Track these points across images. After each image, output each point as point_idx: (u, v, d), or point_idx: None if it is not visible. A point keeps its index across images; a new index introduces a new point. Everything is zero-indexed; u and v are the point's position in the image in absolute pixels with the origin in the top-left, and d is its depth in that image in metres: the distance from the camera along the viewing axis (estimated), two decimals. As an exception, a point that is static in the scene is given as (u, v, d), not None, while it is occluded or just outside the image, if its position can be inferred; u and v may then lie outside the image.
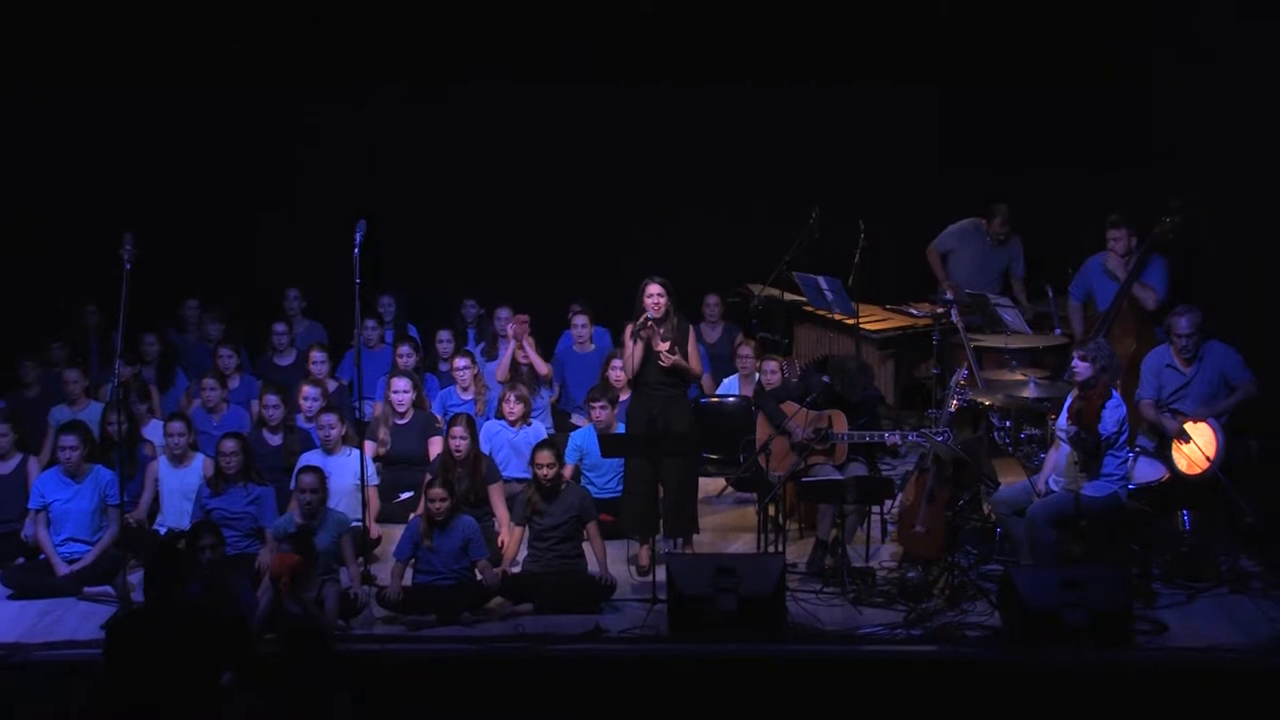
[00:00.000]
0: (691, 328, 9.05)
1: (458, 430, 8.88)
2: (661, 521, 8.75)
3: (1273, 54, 8.68)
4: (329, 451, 9.18)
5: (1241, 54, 9.12)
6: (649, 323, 8.67)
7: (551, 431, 9.94)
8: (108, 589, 8.42)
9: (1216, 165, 9.46)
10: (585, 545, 8.50)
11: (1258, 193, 8.93)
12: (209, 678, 6.21)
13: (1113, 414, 8.09)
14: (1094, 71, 10.90)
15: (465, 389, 10.24)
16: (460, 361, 10.33)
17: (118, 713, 6.15)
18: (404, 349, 10.51)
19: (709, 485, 9.67)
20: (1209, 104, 9.64)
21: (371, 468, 9.17)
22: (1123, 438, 8.17)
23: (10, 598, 8.57)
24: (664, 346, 8.62)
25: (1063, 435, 8.25)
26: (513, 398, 9.65)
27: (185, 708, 6.11)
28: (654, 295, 8.68)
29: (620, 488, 9.18)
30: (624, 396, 9.76)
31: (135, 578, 8.23)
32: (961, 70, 11.19)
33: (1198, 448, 8.24)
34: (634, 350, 8.74)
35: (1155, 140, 10.45)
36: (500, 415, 9.73)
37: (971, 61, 11.18)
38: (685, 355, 8.74)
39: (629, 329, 8.82)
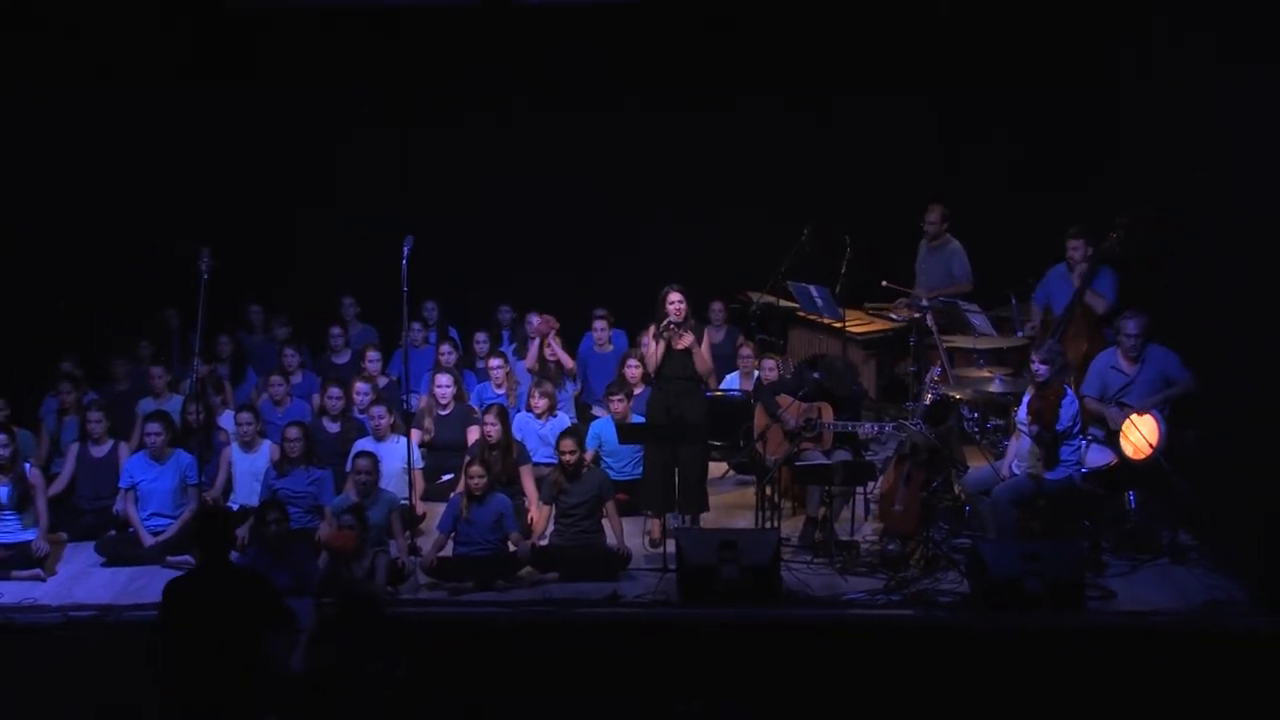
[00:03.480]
0: (706, 330, 9.08)
1: (490, 418, 8.94)
2: (677, 499, 8.79)
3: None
4: (380, 439, 9.23)
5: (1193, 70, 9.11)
6: (671, 325, 8.72)
7: (574, 421, 9.98)
8: (188, 558, 8.47)
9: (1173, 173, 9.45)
10: (604, 521, 8.54)
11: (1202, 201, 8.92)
12: (253, 633, 6.25)
13: (1068, 410, 8.11)
14: (1053, 97, 10.88)
15: (499, 385, 10.28)
16: (495, 361, 10.37)
17: (172, 664, 6.20)
18: (445, 349, 10.54)
19: (713, 469, 9.64)
20: (1169, 118, 9.61)
21: (417, 453, 9.21)
22: (1075, 428, 8.19)
23: (103, 565, 8.64)
24: (684, 341, 8.67)
25: (1024, 427, 8.27)
26: (538, 394, 9.70)
27: (230, 658, 6.14)
28: (675, 302, 8.70)
29: (635, 471, 9.22)
30: (638, 391, 9.80)
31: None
32: (945, 94, 11.18)
33: (1142, 436, 8.25)
34: (656, 350, 8.78)
35: (1110, 158, 10.43)
36: (529, 408, 9.77)
37: (955, 85, 11.16)
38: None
39: (652, 330, 8.86)
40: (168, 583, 6.35)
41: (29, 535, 8.58)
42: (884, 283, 10.22)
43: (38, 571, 8.42)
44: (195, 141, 11.43)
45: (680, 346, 8.67)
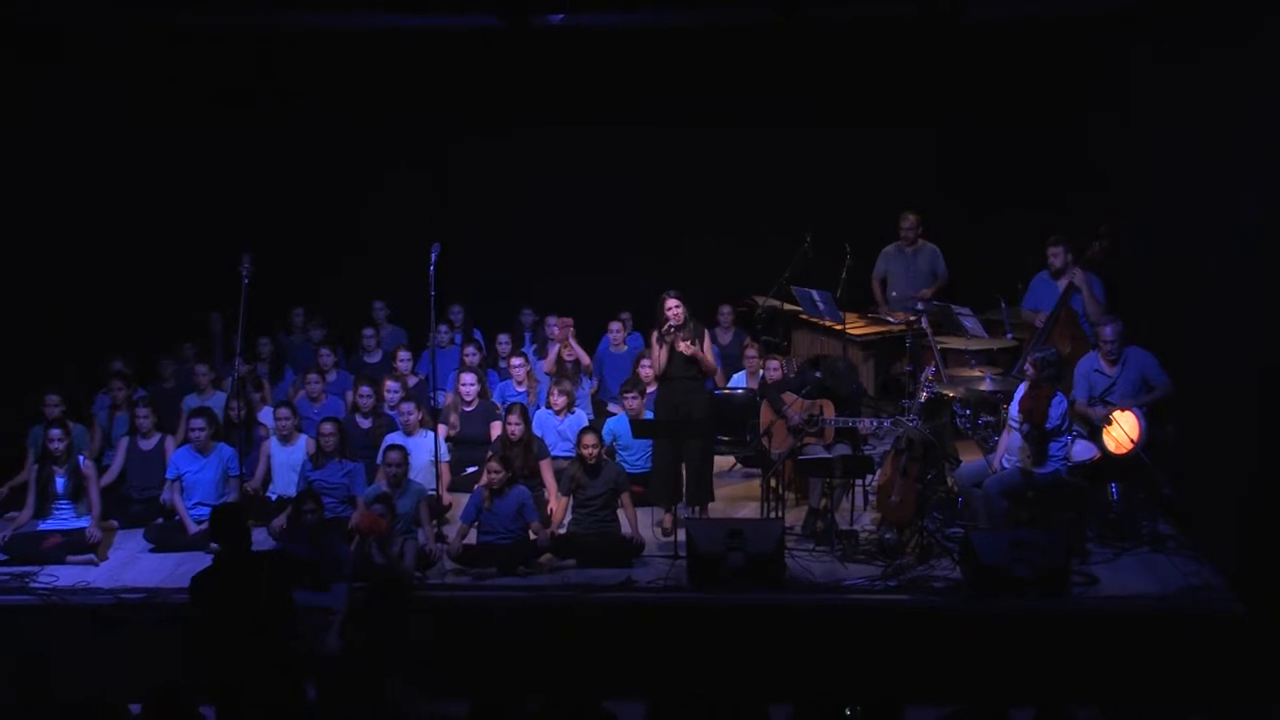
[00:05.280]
0: (706, 331, 9.11)
1: (513, 417, 8.95)
2: (684, 492, 8.83)
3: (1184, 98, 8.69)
4: (408, 433, 9.27)
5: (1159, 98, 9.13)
6: (671, 329, 8.74)
7: (591, 418, 10.01)
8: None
9: (1139, 193, 9.47)
10: (620, 512, 8.57)
11: (1172, 224, 8.92)
12: (281, 615, 6.28)
13: (1056, 409, 8.12)
14: (1039, 119, 10.89)
15: (520, 383, 10.31)
16: (516, 360, 10.41)
17: (207, 648, 6.23)
18: (470, 349, 10.58)
19: (721, 462, 9.68)
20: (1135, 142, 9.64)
21: (443, 447, 9.25)
22: (1064, 426, 8.20)
23: (151, 551, 8.72)
24: (685, 343, 8.70)
25: (1014, 423, 8.28)
26: (557, 392, 9.74)
27: (260, 640, 6.19)
28: (673, 307, 8.74)
29: (648, 465, 9.25)
30: (651, 389, 9.82)
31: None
32: (929, 117, 11.19)
33: (1124, 432, 8.26)
34: (661, 352, 8.81)
35: (1085, 175, 10.44)
36: (548, 405, 9.81)
37: (938, 109, 11.18)
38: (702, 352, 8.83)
39: (655, 335, 8.89)
40: (193, 576, 6.38)
41: (83, 523, 8.65)
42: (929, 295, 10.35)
43: (91, 556, 8.50)
44: (242, 160, 11.46)
45: (680, 349, 8.70)
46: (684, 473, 8.74)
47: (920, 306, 9.93)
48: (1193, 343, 8.49)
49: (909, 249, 10.72)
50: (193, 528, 8.74)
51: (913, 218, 10.69)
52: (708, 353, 8.91)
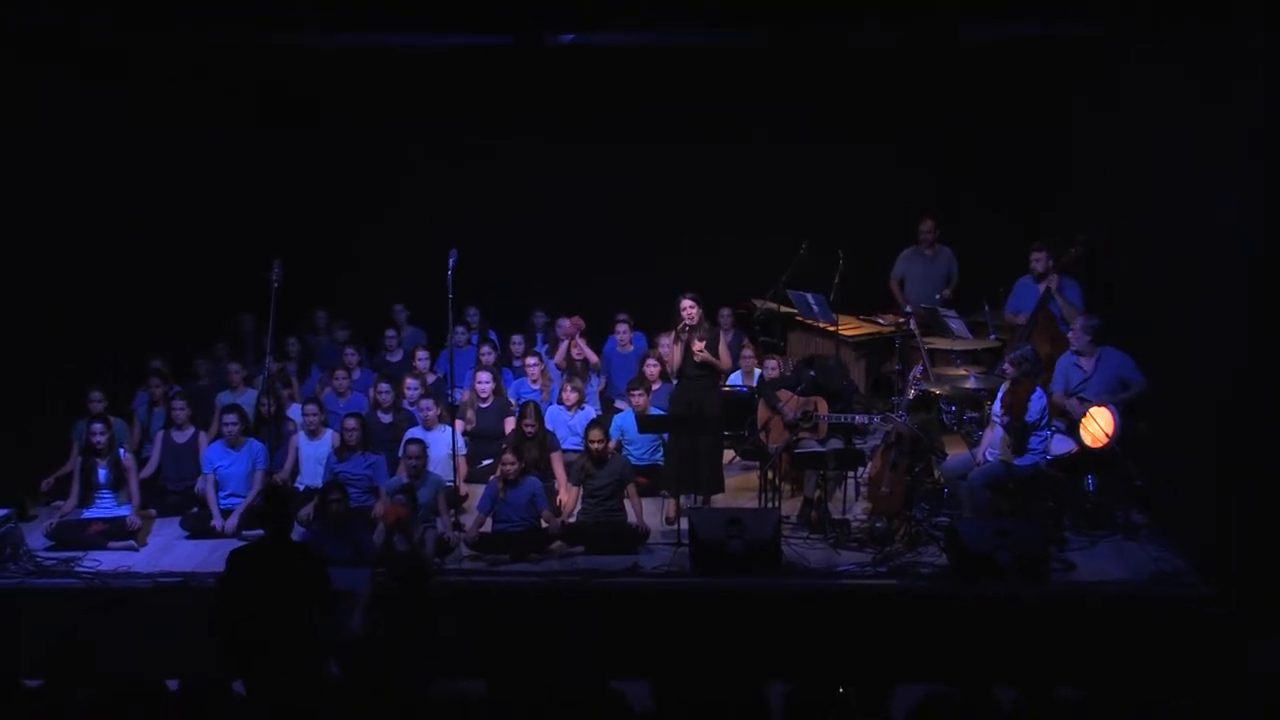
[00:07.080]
0: (722, 332, 9.13)
1: (529, 419, 9.01)
2: (699, 481, 8.83)
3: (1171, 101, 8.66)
4: (428, 428, 9.32)
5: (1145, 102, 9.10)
6: (686, 328, 8.78)
7: (599, 413, 10.06)
8: (260, 533, 8.55)
9: (1126, 198, 9.44)
10: (626, 502, 8.62)
11: (1163, 223, 8.90)
12: (307, 599, 6.31)
13: (1036, 404, 8.16)
14: (1022, 126, 10.88)
15: (534, 381, 10.36)
16: (530, 360, 10.45)
17: (232, 626, 6.27)
18: (486, 349, 10.61)
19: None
20: (1117, 146, 9.62)
21: (460, 441, 9.28)
22: (1044, 420, 8.24)
23: (187, 538, 8.78)
24: (699, 345, 8.74)
25: (996, 419, 8.32)
26: (569, 388, 9.78)
27: (288, 620, 6.23)
28: (688, 308, 8.78)
29: (653, 458, 9.30)
30: (656, 386, 9.87)
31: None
32: (921, 127, 11.20)
33: (1100, 427, 8.29)
34: (676, 352, 8.85)
35: (1068, 183, 10.45)
36: (560, 402, 9.86)
37: (929, 119, 11.19)
38: (716, 353, 8.84)
39: (672, 335, 8.91)
40: (231, 551, 6.45)
41: (124, 511, 8.74)
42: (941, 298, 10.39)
43: (131, 543, 8.57)
44: (271, 173, 11.49)
45: (694, 349, 8.74)
46: (699, 464, 8.78)
47: (909, 309, 9.95)
48: (1188, 343, 8.40)
49: (928, 251, 10.65)
50: (218, 523, 8.77)
51: (930, 222, 10.59)
52: (724, 354, 8.94)
